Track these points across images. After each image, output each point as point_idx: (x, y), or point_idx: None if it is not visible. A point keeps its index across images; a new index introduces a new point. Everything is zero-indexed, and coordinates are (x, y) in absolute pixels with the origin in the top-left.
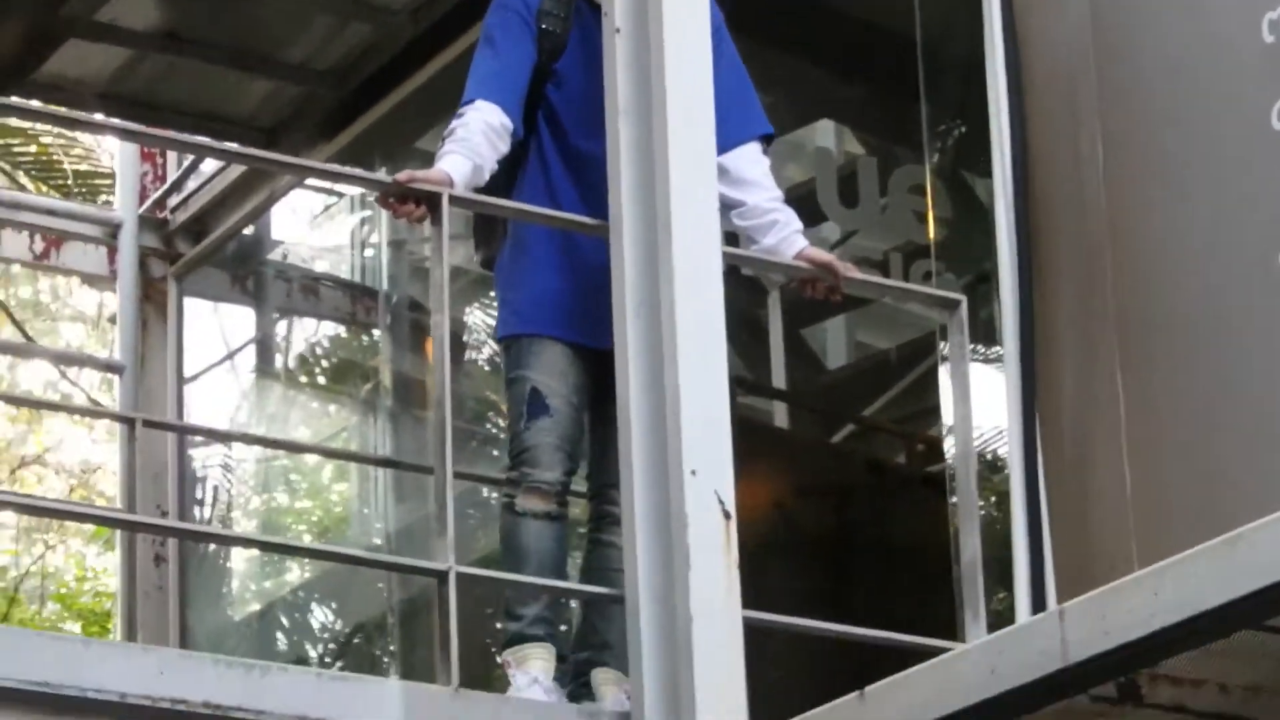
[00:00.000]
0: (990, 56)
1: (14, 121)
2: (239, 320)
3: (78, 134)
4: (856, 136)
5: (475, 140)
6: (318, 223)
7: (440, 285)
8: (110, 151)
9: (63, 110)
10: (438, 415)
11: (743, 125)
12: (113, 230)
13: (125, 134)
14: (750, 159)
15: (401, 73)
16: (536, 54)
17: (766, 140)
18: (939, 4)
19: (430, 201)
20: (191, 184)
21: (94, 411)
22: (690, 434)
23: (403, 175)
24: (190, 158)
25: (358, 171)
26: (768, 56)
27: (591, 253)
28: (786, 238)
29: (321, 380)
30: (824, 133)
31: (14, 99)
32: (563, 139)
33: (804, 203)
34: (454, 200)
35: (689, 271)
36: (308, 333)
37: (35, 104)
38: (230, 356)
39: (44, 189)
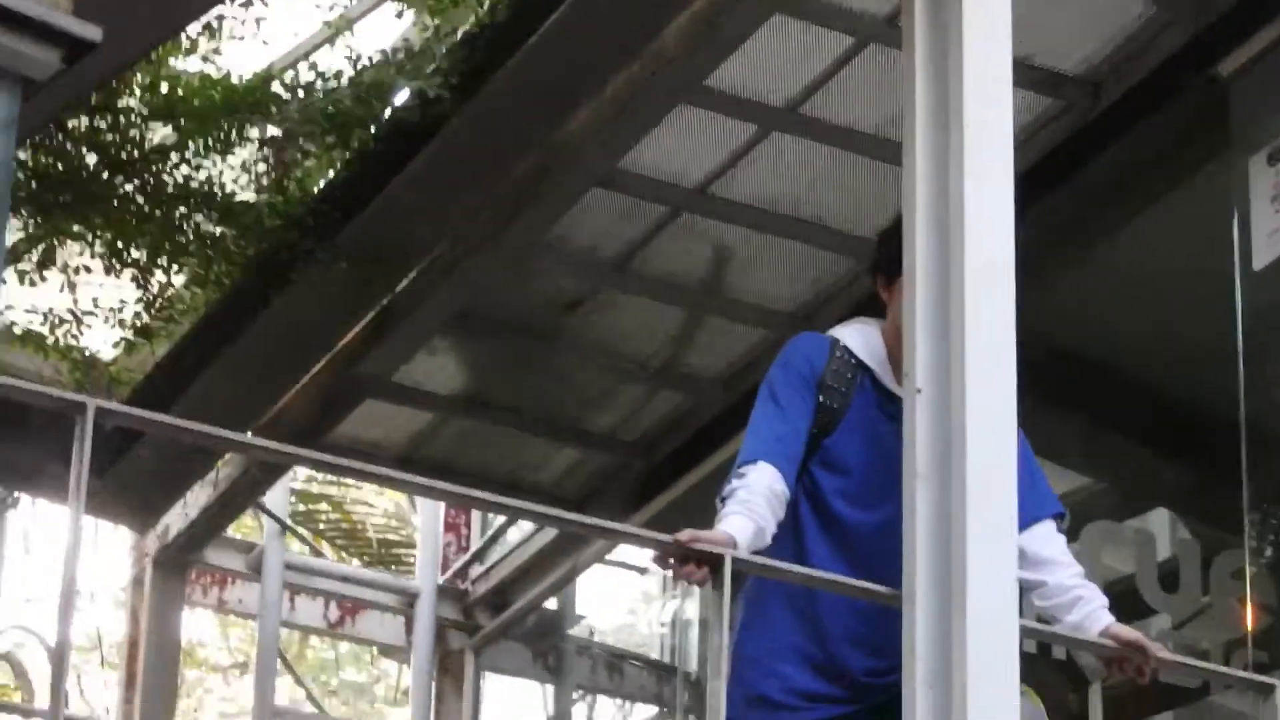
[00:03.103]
0: None
1: (317, 488)
2: (537, 695)
3: (383, 504)
4: (1186, 524)
5: (758, 503)
6: (626, 601)
7: (719, 649)
8: (415, 524)
9: (364, 465)
10: None
11: (1035, 505)
12: (410, 600)
13: (422, 489)
14: (1045, 538)
15: (713, 442)
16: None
17: (1058, 519)
18: (1265, 383)
19: (712, 563)
20: (494, 555)
21: None
22: None
23: (684, 534)
24: (494, 529)
25: (639, 530)
26: (1103, 440)
27: (841, 624)
28: (1091, 613)
29: None
30: (1159, 521)
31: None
32: (823, 510)
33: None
34: (737, 562)
35: (984, 646)
36: (616, 711)
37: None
38: None
39: (346, 557)
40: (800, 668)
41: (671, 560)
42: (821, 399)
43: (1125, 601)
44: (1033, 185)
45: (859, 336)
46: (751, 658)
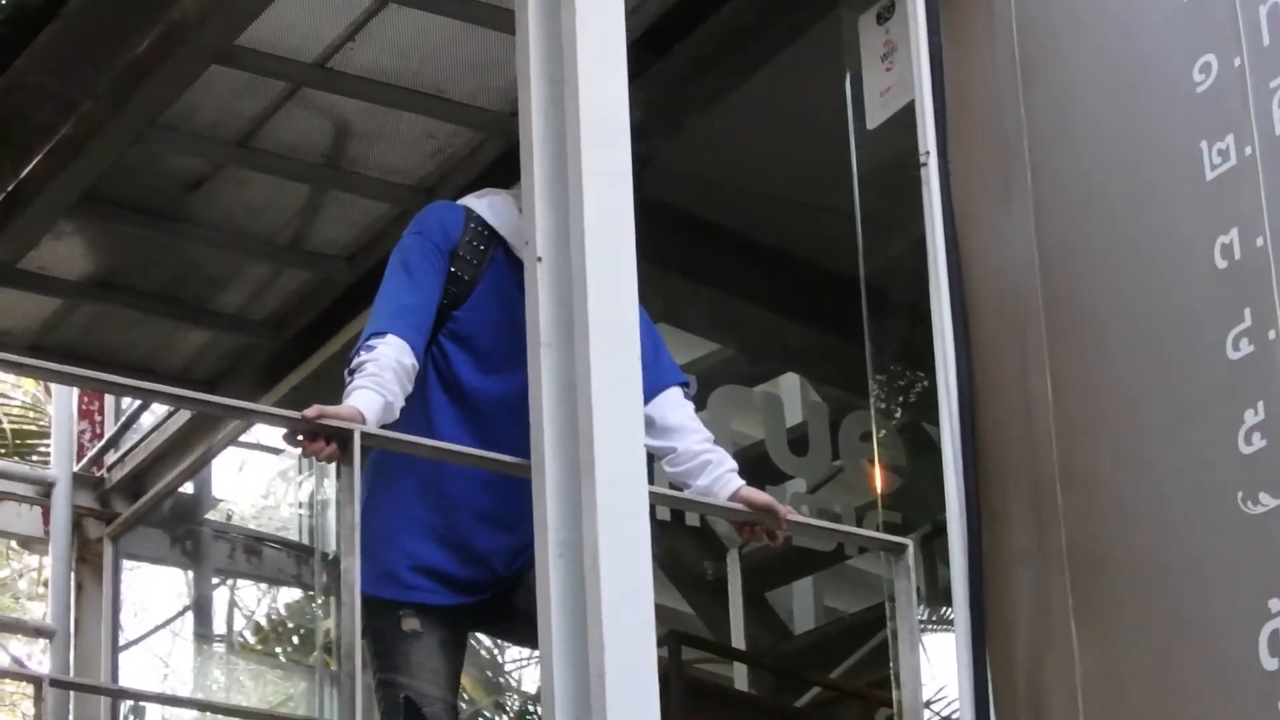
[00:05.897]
0: (935, 296)
1: None
2: (179, 582)
3: (19, 396)
4: (814, 387)
5: (386, 377)
6: (261, 482)
7: (351, 527)
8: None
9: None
10: (347, 668)
11: (659, 375)
12: (46, 489)
13: (53, 375)
14: (672, 405)
15: (340, 318)
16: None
17: (684, 388)
18: (883, 243)
19: (341, 439)
20: (130, 441)
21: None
22: (615, 684)
23: (311, 411)
24: (127, 414)
25: (266, 408)
26: (728, 304)
27: (468, 498)
28: (720, 477)
29: (276, 647)
30: (789, 385)
31: None
32: (451, 383)
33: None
34: (366, 438)
35: (615, 513)
36: (261, 595)
37: None
38: (169, 622)
39: None
40: (428, 543)
41: (300, 437)
42: (453, 269)
43: (757, 467)
44: (647, 47)
45: (491, 207)
46: (380, 534)
